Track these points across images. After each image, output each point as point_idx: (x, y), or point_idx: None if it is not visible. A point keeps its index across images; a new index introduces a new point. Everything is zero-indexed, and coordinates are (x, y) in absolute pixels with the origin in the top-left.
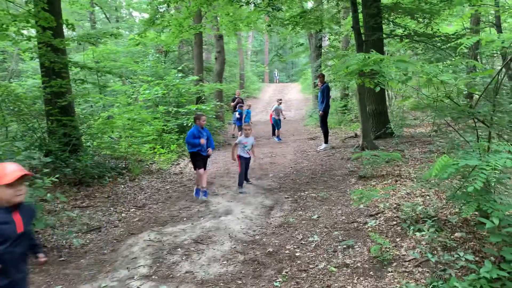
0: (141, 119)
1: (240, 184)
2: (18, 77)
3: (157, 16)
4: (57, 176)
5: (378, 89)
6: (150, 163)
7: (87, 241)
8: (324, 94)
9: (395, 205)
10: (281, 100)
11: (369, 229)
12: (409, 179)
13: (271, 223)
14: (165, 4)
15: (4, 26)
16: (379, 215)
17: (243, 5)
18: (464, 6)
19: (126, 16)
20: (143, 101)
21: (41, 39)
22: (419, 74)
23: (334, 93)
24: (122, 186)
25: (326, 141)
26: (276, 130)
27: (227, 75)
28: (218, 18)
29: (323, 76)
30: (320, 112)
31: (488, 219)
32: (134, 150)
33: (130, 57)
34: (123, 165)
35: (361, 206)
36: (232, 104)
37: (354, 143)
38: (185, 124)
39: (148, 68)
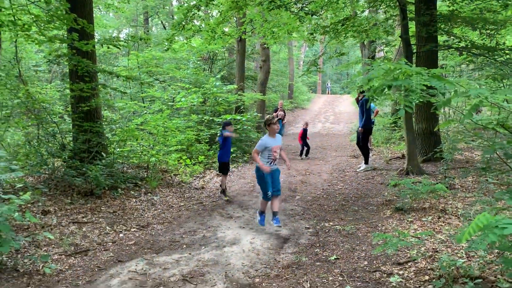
0: (168, 128)
1: None
2: (63, 80)
3: (187, 20)
4: (29, 193)
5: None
6: (174, 175)
7: (67, 266)
8: (364, 109)
9: (431, 252)
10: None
11: (393, 284)
12: (456, 216)
13: (279, 261)
14: (195, 9)
15: (26, 26)
16: (409, 264)
17: (273, 8)
18: None
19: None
20: (179, 109)
21: (65, 41)
22: (463, 95)
23: (386, 108)
24: (134, 200)
25: (366, 161)
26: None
27: (275, 85)
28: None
29: (360, 89)
30: (359, 128)
31: None
32: (157, 160)
33: (175, 64)
34: (144, 176)
35: (389, 250)
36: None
37: (399, 165)
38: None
39: (188, 75)
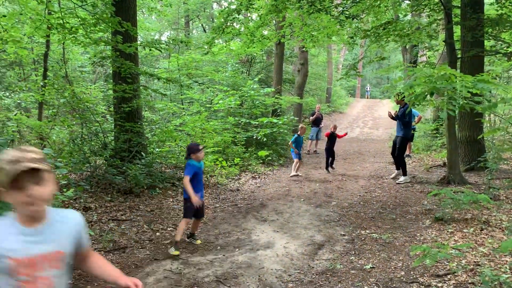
0: (205, 129)
1: None
2: (106, 81)
3: (227, 24)
4: (72, 190)
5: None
6: (210, 176)
7: None
8: (404, 118)
9: (472, 265)
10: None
11: None
12: (500, 228)
13: (313, 267)
14: (236, 13)
15: (73, 29)
16: (448, 276)
17: (313, 12)
18: None
19: None
20: (216, 111)
21: (109, 43)
22: (510, 101)
23: (428, 114)
24: (171, 200)
25: (404, 173)
26: None
27: (312, 88)
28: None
29: (401, 96)
30: (397, 137)
31: None
32: None
33: (214, 66)
34: (181, 176)
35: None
36: (311, 118)
37: (440, 173)
38: (254, 137)
39: (226, 78)
